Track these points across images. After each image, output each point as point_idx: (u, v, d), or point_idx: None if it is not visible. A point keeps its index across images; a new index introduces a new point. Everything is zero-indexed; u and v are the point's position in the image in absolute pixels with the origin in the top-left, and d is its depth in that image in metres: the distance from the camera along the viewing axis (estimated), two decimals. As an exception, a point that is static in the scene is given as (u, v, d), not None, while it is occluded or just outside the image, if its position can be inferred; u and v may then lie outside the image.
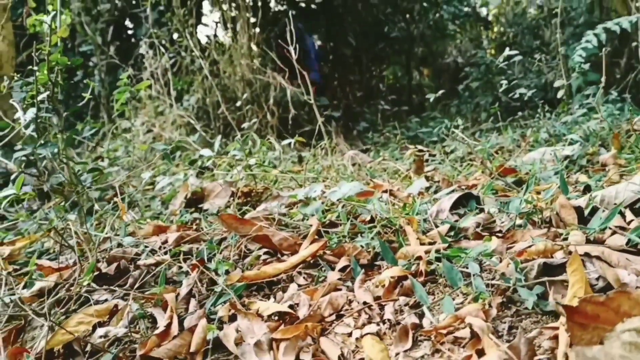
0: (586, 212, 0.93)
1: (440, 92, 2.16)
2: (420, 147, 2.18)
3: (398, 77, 7.14)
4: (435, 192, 1.27)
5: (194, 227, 1.27)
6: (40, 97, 1.20)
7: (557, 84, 1.68)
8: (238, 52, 2.76)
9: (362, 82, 4.66)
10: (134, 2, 3.13)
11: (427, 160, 1.90)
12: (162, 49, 2.51)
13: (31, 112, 1.17)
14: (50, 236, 1.24)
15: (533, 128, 1.94)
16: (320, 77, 4.43)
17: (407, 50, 5.69)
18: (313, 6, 4.37)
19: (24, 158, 1.23)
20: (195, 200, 1.50)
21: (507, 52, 1.74)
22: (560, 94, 1.67)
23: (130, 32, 3.41)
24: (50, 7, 2.02)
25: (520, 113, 2.51)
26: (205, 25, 2.61)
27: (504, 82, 2.00)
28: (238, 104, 2.73)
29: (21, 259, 1.22)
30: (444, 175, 1.50)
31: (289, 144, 2.57)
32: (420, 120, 3.47)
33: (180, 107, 2.65)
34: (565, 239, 0.83)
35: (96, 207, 1.50)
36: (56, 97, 1.24)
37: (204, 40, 3.02)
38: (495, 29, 4.63)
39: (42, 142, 1.21)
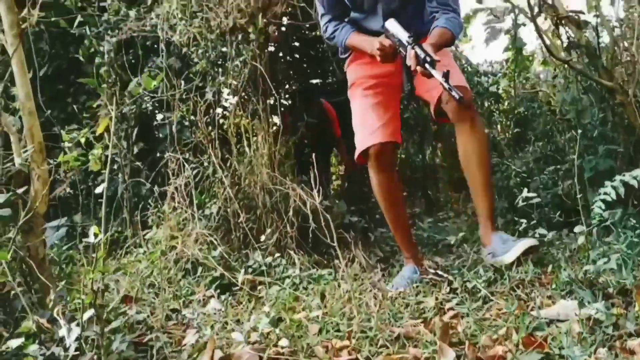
0: None
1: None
2: (440, 272, 2.19)
3: (410, 153, 7.23)
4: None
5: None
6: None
7: (577, 229, 1.70)
8: (259, 161, 2.83)
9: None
10: (157, 105, 3.23)
11: (447, 300, 1.90)
12: (185, 163, 2.59)
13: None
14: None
15: (554, 265, 1.95)
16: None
17: (421, 130, 5.77)
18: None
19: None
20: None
21: (525, 193, 1.77)
22: (580, 240, 1.69)
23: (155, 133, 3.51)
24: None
25: (534, 220, 2.51)
26: (225, 134, 2.69)
27: (525, 192, 2.03)
28: (258, 212, 2.78)
29: None
30: (468, 337, 1.51)
31: (308, 259, 2.61)
32: (434, 221, 3.50)
33: (201, 215, 2.70)
34: None
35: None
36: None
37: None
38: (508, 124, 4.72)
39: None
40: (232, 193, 2.77)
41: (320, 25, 2.46)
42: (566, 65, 3.04)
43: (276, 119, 3.03)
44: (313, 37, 3.75)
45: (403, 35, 2.08)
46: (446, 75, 1.89)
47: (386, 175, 2.32)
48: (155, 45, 3.35)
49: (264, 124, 2.90)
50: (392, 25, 2.15)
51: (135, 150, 3.44)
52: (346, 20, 2.43)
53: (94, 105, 3.28)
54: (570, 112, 2.89)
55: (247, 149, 2.89)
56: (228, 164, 2.83)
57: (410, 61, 2.00)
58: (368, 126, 2.31)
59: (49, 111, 3.67)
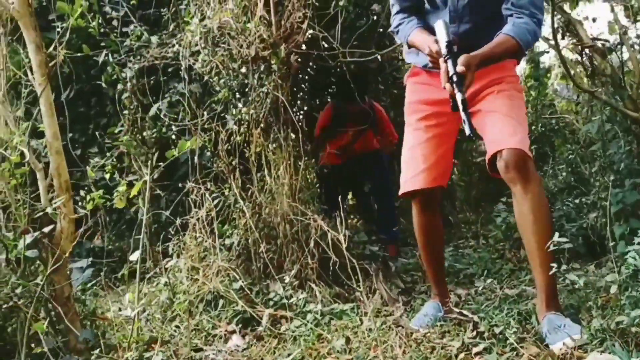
0: None
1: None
2: (465, 312, 2.15)
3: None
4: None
5: None
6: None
7: (609, 278, 1.66)
8: (279, 190, 2.82)
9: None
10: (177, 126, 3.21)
11: (474, 345, 1.86)
12: (207, 194, 2.58)
13: None
14: None
15: (584, 311, 1.90)
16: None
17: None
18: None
19: None
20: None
21: (556, 237, 1.74)
22: (612, 289, 1.65)
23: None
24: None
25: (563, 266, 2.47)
26: (247, 163, 2.69)
27: (556, 236, 1.97)
28: (279, 242, 2.77)
29: None
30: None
31: (329, 292, 2.59)
32: (455, 248, 3.46)
33: (222, 245, 2.69)
34: None
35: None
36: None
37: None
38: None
39: None
40: (253, 222, 2.76)
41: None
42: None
43: (297, 147, 3.01)
44: (334, 66, 3.73)
45: (442, 43, 1.79)
46: (464, 103, 1.65)
47: (428, 217, 2.21)
48: (178, 70, 3.36)
49: (284, 153, 2.89)
50: (439, 27, 1.85)
51: (155, 175, 3.46)
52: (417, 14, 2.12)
53: (115, 131, 3.30)
54: (595, 143, 2.85)
55: (267, 178, 2.88)
56: (249, 193, 2.82)
57: (441, 76, 1.74)
58: (412, 167, 2.13)
59: (70, 134, 3.71)
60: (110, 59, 3.21)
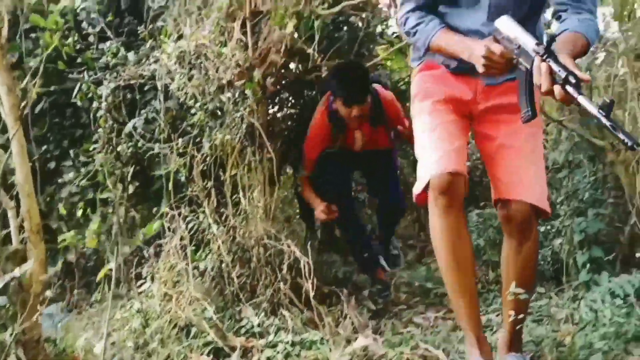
0: None
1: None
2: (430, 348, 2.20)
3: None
4: None
5: None
6: None
7: (563, 314, 1.74)
8: (254, 213, 2.86)
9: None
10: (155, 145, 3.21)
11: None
12: (181, 220, 2.61)
13: None
14: None
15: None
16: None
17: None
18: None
19: None
20: None
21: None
22: (565, 329, 1.73)
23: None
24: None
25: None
26: (221, 186, 2.72)
27: None
28: (252, 266, 2.81)
29: None
30: None
31: (301, 318, 2.64)
32: (427, 267, 3.53)
33: (195, 270, 2.72)
34: None
35: None
36: None
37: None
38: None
39: None
40: (227, 246, 2.79)
41: (398, 18, 1.89)
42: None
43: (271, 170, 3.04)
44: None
45: (527, 40, 1.49)
46: (609, 106, 1.32)
47: (455, 219, 1.73)
48: (155, 86, 3.33)
49: (259, 176, 2.92)
50: (509, 25, 1.56)
51: (131, 189, 3.46)
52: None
53: (90, 148, 3.28)
54: (561, 172, 2.93)
55: (242, 200, 2.91)
56: (223, 217, 2.85)
57: (540, 79, 1.42)
58: (438, 148, 1.75)
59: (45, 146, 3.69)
60: (86, 77, 3.19)
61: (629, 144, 1.29)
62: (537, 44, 1.46)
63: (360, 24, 3.78)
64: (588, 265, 2.67)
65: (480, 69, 1.60)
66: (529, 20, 1.73)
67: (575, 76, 1.37)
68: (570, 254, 2.82)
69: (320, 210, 3.12)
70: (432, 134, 1.79)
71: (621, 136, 1.30)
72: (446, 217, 1.72)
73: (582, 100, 1.36)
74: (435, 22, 1.76)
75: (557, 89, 1.40)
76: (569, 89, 1.38)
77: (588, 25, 1.63)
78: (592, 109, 1.33)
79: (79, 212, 2.12)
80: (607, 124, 1.31)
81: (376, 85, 3.14)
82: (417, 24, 1.77)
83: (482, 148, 1.92)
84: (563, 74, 1.38)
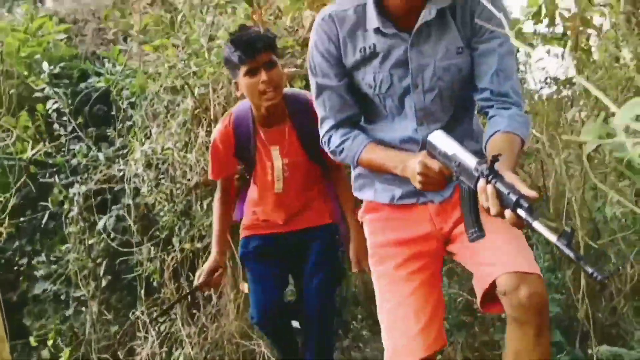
0: None
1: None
2: None
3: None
4: None
5: None
6: None
7: None
8: (226, 311, 2.92)
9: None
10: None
11: None
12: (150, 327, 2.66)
13: None
14: None
15: None
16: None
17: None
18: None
19: None
20: None
21: None
22: None
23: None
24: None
25: None
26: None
27: None
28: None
29: None
30: None
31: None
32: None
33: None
34: None
35: None
36: None
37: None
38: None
39: None
40: (199, 345, 2.85)
41: (320, 139, 1.69)
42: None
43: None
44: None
45: (467, 158, 1.36)
46: (569, 236, 1.16)
47: None
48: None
49: (229, 275, 3.00)
50: (444, 140, 1.42)
51: (104, 283, 3.50)
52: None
53: (62, 248, 3.34)
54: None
55: (214, 298, 2.98)
56: (195, 318, 2.92)
57: (487, 201, 1.29)
58: (402, 333, 1.60)
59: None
60: (57, 180, 3.28)
61: (598, 278, 1.12)
62: (479, 163, 1.32)
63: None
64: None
65: (417, 185, 1.46)
66: (462, 121, 1.63)
67: (527, 199, 1.23)
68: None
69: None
70: (396, 312, 1.62)
71: (588, 269, 1.14)
72: None
73: (538, 227, 1.22)
74: (362, 137, 1.62)
75: (508, 213, 1.26)
76: (522, 213, 1.23)
77: (519, 123, 1.50)
78: (552, 238, 1.19)
79: (49, 342, 2.16)
80: (571, 254, 1.16)
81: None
82: (343, 142, 1.63)
83: (458, 250, 1.66)
84: (514, 198, 1.23)
